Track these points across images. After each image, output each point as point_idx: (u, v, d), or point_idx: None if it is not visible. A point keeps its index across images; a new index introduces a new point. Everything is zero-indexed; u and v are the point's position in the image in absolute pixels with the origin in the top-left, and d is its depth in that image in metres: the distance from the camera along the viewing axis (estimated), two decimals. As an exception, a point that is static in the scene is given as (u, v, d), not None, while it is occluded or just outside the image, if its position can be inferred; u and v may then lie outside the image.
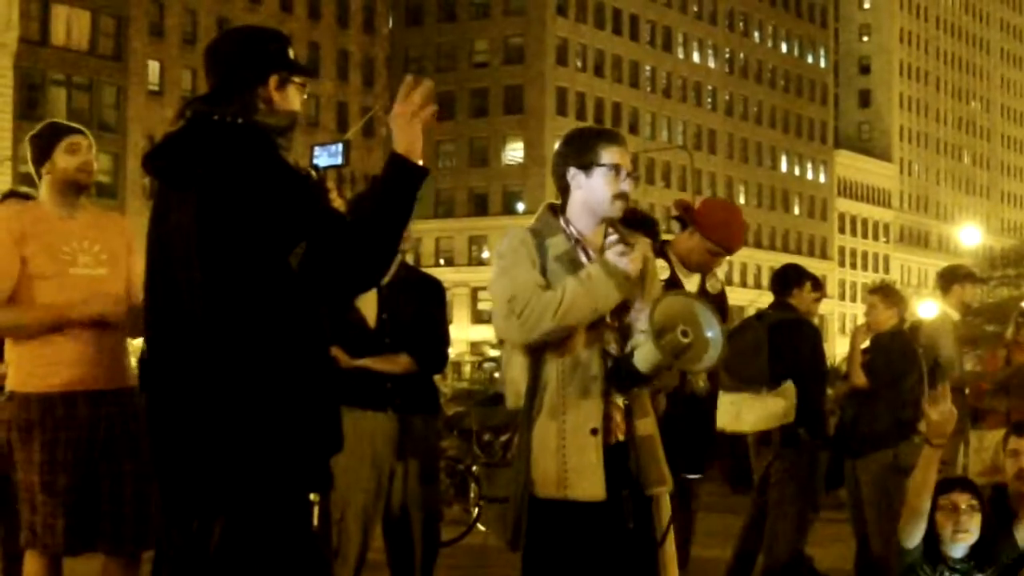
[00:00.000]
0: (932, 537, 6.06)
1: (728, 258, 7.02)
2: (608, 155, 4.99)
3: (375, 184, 4.03)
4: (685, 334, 4.77)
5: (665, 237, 6.78)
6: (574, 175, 5.03)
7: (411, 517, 6.38)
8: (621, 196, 4.98)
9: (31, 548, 5.77)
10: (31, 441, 5.72)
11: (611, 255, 4.88)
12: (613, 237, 5.10)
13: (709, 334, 4.83)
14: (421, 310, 6.44)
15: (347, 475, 6.15)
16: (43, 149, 5.87)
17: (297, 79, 4.31)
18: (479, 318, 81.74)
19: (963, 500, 6.04)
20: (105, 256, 5.85)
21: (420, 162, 4.09)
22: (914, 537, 6.07)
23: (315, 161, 4.21)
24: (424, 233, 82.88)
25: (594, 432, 4.89)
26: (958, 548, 6.05)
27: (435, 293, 6.60)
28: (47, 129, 5.98)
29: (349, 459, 6.15)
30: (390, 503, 6.37)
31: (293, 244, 4.01)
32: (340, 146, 4.22)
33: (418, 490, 6.38)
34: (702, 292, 6.40)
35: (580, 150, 5.05)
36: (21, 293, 5.72)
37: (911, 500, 6.10)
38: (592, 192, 5.00)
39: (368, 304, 6.30)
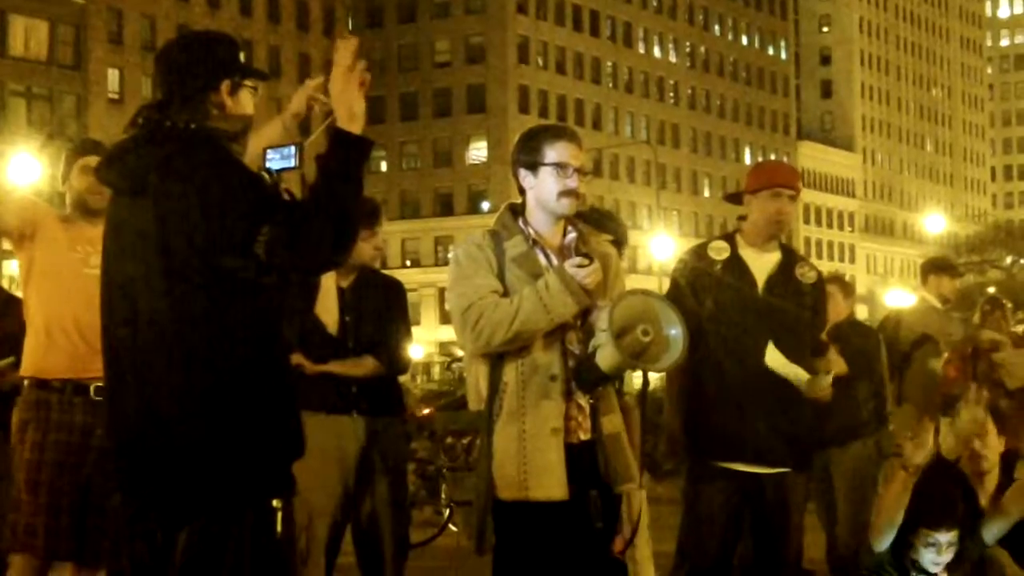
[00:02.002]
0: (902, 543, 6.06)
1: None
2: (552, 153, 4.99)
3: (321, 162, 3.99)
4: (646, 333, 4.75)
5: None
6: (524, 176, 5.06)
7: (380, 519, 6.35)
8: (567, 193, 4.98)
9: (13, 551, 5.80)
10: (25, 441, 5.79)
11: (569, 267, 4.86)
12: (572, 235, 5.09)
13: (671, 332, 4.82)
14: (383, 312, 6.43)
15: (314, 479, 6.12)
16: (67, 166, 6.03)
17: (250, 83, 4.29)
18: (447, 319, 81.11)
19: (946, 538, 6.04)
20: None
21: (360, 129, 4.03)
22: (884, 542, 6.09)
23: (268, 164, 4.17)
24: (390, 235, 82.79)
25: (554, 432, 4.87)
26: (932, 567, 6.08)
27: (396, 294, 6.58)
28: (76, 146, 6.12)
29: (316, 463, 6.12)
30: (359, 506, 6.34)
31: (252, 242, 3.97)
32: (293, 149, 4.18)
33: (386, 492, 6.36)
34: (787, 278, 6.34)
35: (527, 150, 5.06)
36: (28, 281, 5.90)
37: (886, 514, 6.11)
38: (540, 191, 5.02)
39: (328, 309, 6.27)
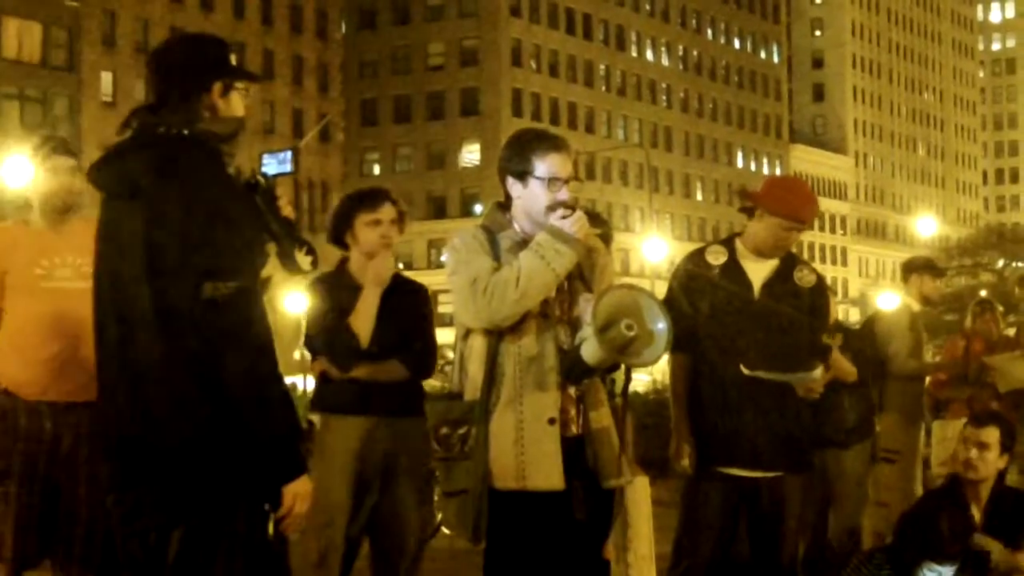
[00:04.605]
0: (903, 570, 6.10)
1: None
2: (543, 166, 5.00)
3: None
4: (630, 327, 4.77)
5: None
6: (512, 184, 5.08)
7: (402, 520, 6.33)
8: (557, 207, 4.97)
9: None
10: None
11: (554, 220, 4.92)
12: None
13: (657, 326, 4.84)
14: (409, 316, 6.41)
15: (337, 480, 6.21)
16: (34, 166, 5.94)
17: (240, 85, 4.31)
18: (440, 321, 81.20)
19: (949, 571, 6.08)
20: (88, 269, 5.84)
21: None
22: None
23: (264, 169, 4.20)
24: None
25: (551, 422, 4.89)
26: None
27: (421, 298, 6.57)
28: (41, 145, 6.02)
29: (340, 465, 6.20)
30: (381, 507, 6.33)
31: (237, 255, 4.01)
32: (289, 153, 4.24)
33: (409, 493, 6.34)
34: (784, 282, 6.35)
35: (516, 159, 5.06)
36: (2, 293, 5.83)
37: None
38: (529, 202, 5.04)
39: (366, 317, 6.24)
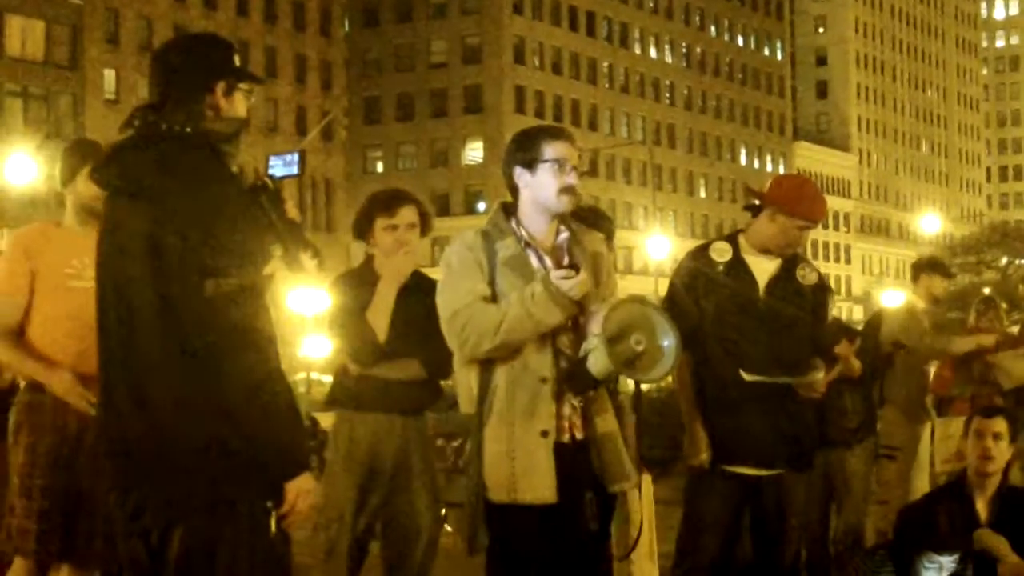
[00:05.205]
0: (904, 562, 6.12)
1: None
2: (551, 150, 5.01)
3: None
4: (638, 342, 4.76)
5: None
6: (520, 174, 5.06)
7: (417, 517, 6.33)
8: (567, 190, 4.99)
9: (8, 552, 5.82)
10: (18, 444, 5.81)
11: (555, 278, 4.85)
12: (564, 235, 5.10)
13: (664, 343, 4.81)
14: (427, 314, 6.42)
15: (348, 477, 6.26)
16: (70, 169, 5.95)
17: (244, 85, 4.32)
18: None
19: (949, 560, 6.09)
20: None
21: None
22: None
23: (271, 171, 4.20)
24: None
25: (544, 435, 4.88)
26: None
27: None
28: (77, 149, 6.04)
29: (351, 461, 6.23)
30: (395, 504, 6.33)
31: (239, 253, 4.02)
32: (296, 155, 4.21)
33: (424, 490, 6.34)
34: (788, 280, 6.35)
35: (524, 148, 5.07)
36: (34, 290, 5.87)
37: None
38: (538, 188, 5.02)
39: (381, 314, 6.27)
